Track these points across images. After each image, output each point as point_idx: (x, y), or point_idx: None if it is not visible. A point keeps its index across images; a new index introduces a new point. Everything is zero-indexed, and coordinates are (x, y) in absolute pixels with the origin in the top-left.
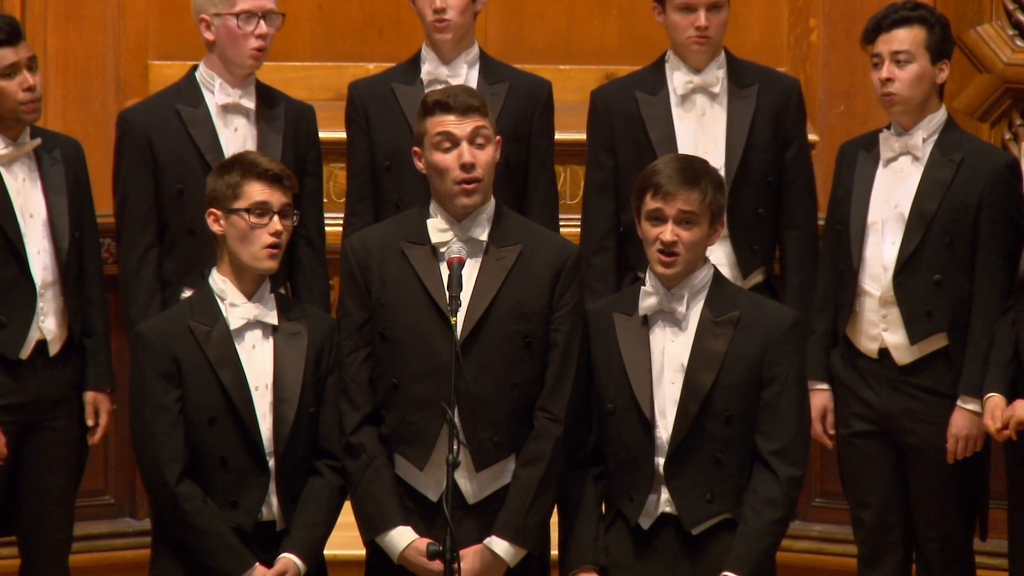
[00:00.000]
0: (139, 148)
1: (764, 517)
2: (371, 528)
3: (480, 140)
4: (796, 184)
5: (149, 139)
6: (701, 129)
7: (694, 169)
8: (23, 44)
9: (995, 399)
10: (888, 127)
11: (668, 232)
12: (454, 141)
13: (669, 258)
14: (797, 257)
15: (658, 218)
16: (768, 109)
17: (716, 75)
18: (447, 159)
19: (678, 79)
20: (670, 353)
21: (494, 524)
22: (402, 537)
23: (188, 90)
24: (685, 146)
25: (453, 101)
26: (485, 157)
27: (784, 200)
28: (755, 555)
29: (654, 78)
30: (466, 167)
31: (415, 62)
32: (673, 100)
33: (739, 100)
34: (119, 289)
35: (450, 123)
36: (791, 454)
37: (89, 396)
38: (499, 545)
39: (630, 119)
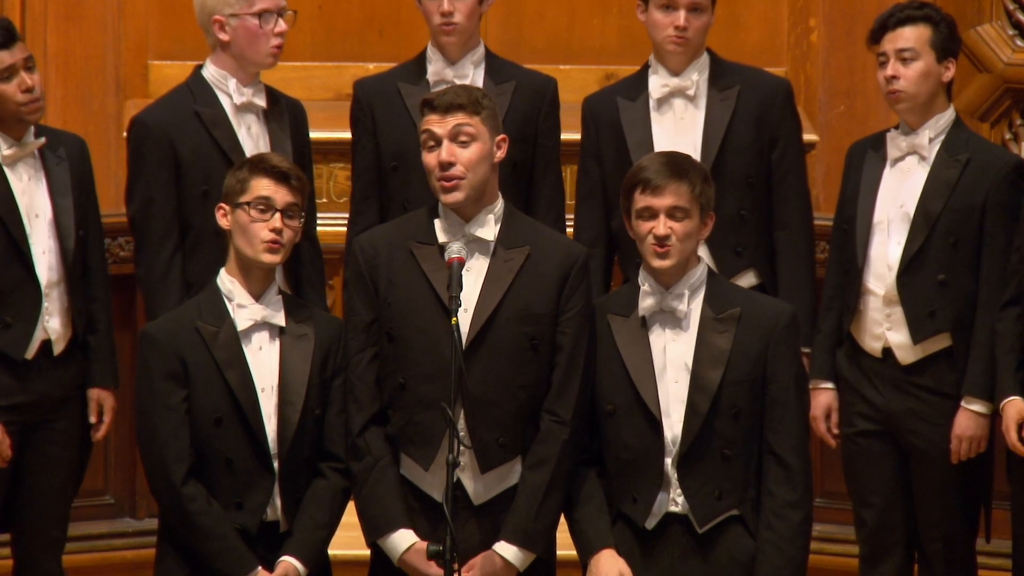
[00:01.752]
0: (162, 151)
1: (790, 521)
2: (373, 530)
3: (463, 138)
4: (784, 184)
5: (172, 141)
6: (678, 132)
7: (680, 163)
8: (18, 45)
9: (1017, 403)
10: (896, 127)
11: (661, 225)
12: (436, 140)
13: (663, 248)
14: (786, 258)
15: (649, 214)
16: (750, 110)
17: (692, 78)
18: (430, 157)
19: (654, 83)
20: (672, 352)
21: (502, 528)
22: (403, 539)
23: (201, 91)
24: (661, 149)
25: (437, 100)
26: (467, 155)
27: (774, 201)
28: (791, 562)
29: (637, 83)
30: (442, 165)
31: (420, 61)
32: (651, 104)
33: (718, 102)
34: (143, 293)
35: (433, 122)
36: (802, 449)
37: (93, 393)
38: (507, 550)
39: (612, 126)
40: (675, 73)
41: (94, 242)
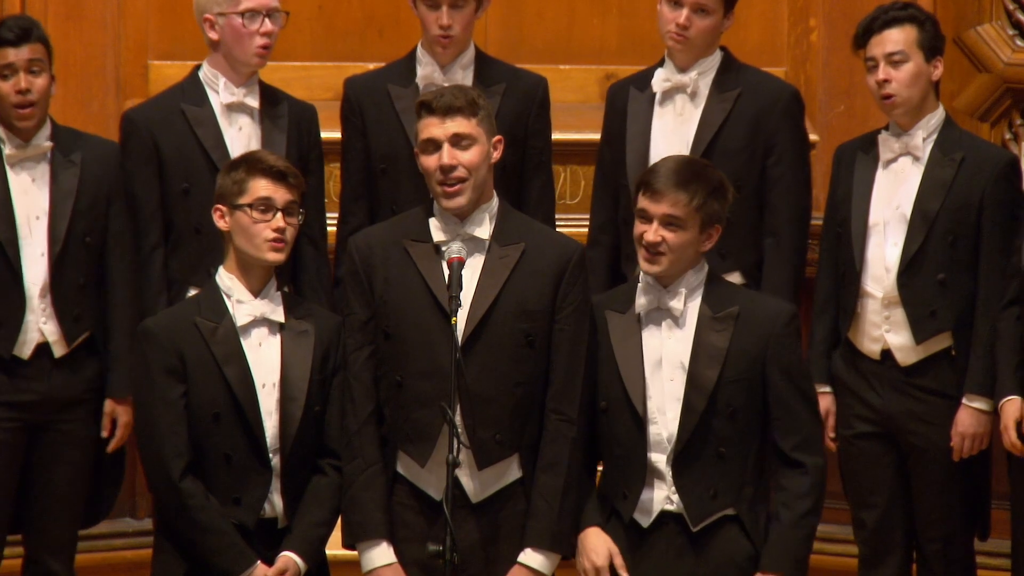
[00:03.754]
0: (145, 147)
1: (795, 511)
2: (351, 534)
3: (464, 142)
4: (775, 191)
5: (155, 138)
6: (675, 127)
7: (690, 171)
8: (29, 47)
9: (1016, 402)
10: (886, 128)
11: (652, 232)
12: (436, 144)
13: (652, 256)
14: (771, 265)
15: (645, 217)
16: (747, 114)
17: (691, 76)
18: (430, 161)
19: (658, 76)
20: (669, 350)
21: (524, 537)
22: (382, 556)
23: (192, 89)
24: (657, 144)
25: (436, 103)
26: (469, 157)
27: (765, 207)
28: (791, 550)
29: (648, 75)
30: (444, 169)
31: (411, 62)
32: (656, 97)
33: (716, 103)
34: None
35: (432, 125)
36: (811, 444)
37: (108, 406)
38: (534, 559)
39: (622, 114)
40: (681, 69)
41: (117, 250)
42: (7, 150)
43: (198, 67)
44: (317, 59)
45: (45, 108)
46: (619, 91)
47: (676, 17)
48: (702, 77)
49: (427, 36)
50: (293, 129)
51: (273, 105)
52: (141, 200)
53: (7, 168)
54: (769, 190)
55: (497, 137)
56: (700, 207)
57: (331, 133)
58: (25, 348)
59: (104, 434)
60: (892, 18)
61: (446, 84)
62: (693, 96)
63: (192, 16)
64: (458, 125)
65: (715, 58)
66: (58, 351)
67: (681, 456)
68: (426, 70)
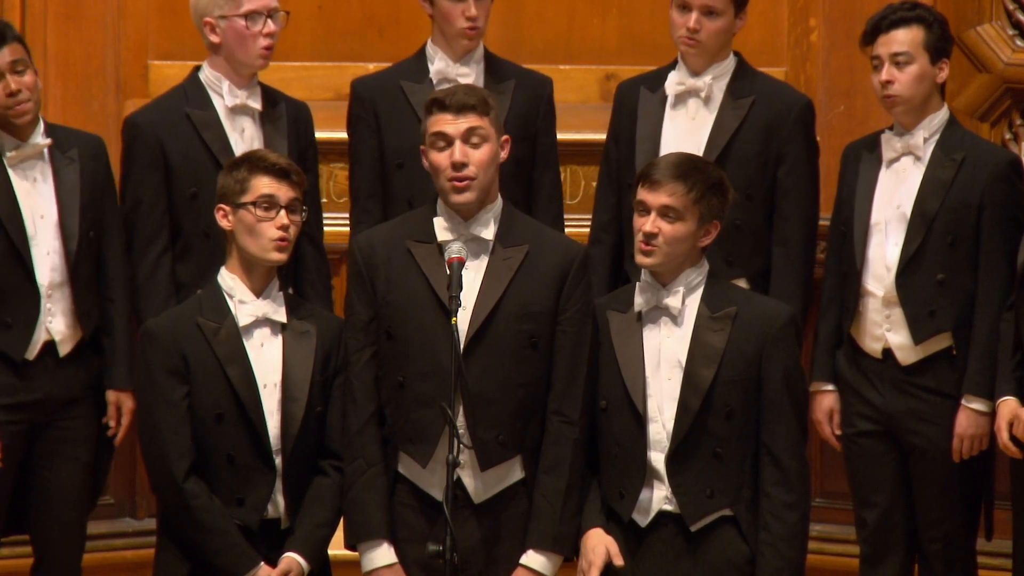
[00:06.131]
0: (151, 152)
1: (787, 522)
2: (353, 535)
3: (475, 139)
4: (786, 201)
5: (161, 143)
6: (687, 132)
7: (689, 165)
8: (7, 48)
9: (1010, 403)
10: (890, 128)
11: (649, 223)
12: (448, 140)
13: (648, 246)
14: (780, 274)
15: (643, 209)
16: (760, 123)
17: (706, 80)
18: (441, 157)
19: (671, 79)
20: (667, 349)
21: (527, 538)
22: (383, 556)
23: (195, 93)
24: (667, 146)
25: (449, 100)
26: (479, 156)
27: (776, 216)
28: (790, 565)
29: (661, 76)
30: (456, 166)
31: (421, 59)
32: (668, 100)
33: (730, 110)
34: (132, 293)
35: (445, 122)
36: (798, 450)
37: (111, 395)
38: (535, 560)
39: (631, 113)
40: (694, 73)
41: (111, 243)
42: (7, 152)
43: (198, 69)
44: (317, 59)
45: (39, 102)
46: (629, 90)
47: (686, 21)
48: (716, 82)
49: (451, 30)
50: (291, 129)
51: (272, 106)
52: (149, 205)
53: (9, 170)
54: (781, 199)
55: (505, 137)
56: (698, 200)
57: (330, 133)
58: (32, 348)
59: (111, 423)
60: (900, 18)
61: (459, 78)
62: (707, 101)
63: (193, 20)
64: (471, 122)
65: (729, 63)
66: (63, 349)
67: (677, 455)
68: (439, 65)
